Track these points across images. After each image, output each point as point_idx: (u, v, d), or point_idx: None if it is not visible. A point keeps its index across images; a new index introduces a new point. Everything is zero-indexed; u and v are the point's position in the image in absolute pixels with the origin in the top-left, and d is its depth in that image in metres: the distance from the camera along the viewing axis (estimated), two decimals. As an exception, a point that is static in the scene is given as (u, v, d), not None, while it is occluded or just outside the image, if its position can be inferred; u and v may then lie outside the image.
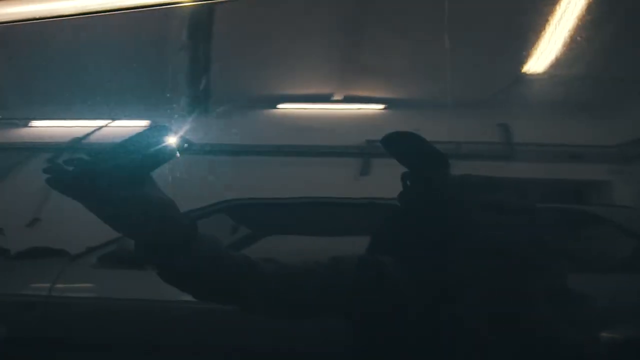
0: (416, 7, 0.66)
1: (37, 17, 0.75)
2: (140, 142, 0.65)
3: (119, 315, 0.68)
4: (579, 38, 0.57)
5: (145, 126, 0.68)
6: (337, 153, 0.63)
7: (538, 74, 0.58)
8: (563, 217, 0.58)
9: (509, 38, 0.61)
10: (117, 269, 0.70)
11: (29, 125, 0.76)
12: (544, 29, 0.58)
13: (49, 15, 0.74)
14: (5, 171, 0.75)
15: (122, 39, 0.75)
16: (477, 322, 0.57)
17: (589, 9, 0.58)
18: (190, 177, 0.66)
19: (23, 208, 0.70)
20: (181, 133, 0.65)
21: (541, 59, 0.58)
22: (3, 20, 0.76)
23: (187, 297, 0.65)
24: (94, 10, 0.73)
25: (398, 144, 0.59)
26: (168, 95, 0.68)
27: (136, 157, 0.64)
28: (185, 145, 0.65)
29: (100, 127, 0.70)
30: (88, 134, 0.70)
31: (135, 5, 0.71)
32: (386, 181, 0.59)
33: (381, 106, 0.64)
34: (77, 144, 0.71)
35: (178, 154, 0.65)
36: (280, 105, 0.67)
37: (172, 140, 0.65)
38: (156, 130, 0.67)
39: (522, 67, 0.59)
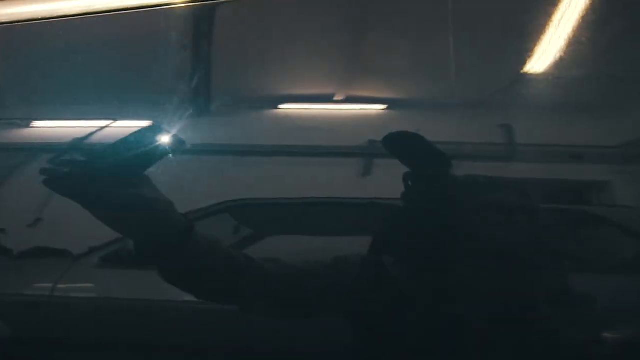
0: (418, 6, 0.66)
1: (34, 18, 0.74)
2: (135, 142, 0.65)
3: (121, 315, 0.68)
4: (580, 38, 0.57)
5: (139, 126, 0.68)
6: (339, 153, 0.63)
7: (539, 75, 0.58)
8: (564, 217, 0.58)
9: (510, 38, 0.61)
10: (119, 269, 0.70)
11: (30, 125, 0.76)
12: (546, 29, 0.58)
13: (45, 16, 0.74)
14: (7, 171, 0.75)
15: (121, 40, 0.75)
16: (478, 322, 0.57)
17: (590, 9, 0.58)
18: (191, 177, 0.67)
19: (25, 208, 0.70)
20: (179, 133, 0.65)
21: (542, 59, 0.58)
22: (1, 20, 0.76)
23: (189, 297, 0.65)
24: (93, 11, 0.73)
25: (400, 144, 0.59)
26: (165, 95, 0.68)
27: (131, 157, 0.64)
28: (188, 145, 0.65)
29: (97, 127, 0.70)
30: (86, 135, 0.70)
31: (135, 5, 0.71)
32: (388, 181, 0.60)
33: (383, 106, 0.64)
34: (74, 144, 0.71)
35: (175, 154, 0.65)
36: (281, 106, 0.67)
37: (171, 140, 0.65)
38: (151, 130, 0.67)
39: (524, 67, 0.59)
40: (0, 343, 0.70)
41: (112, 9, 0.72)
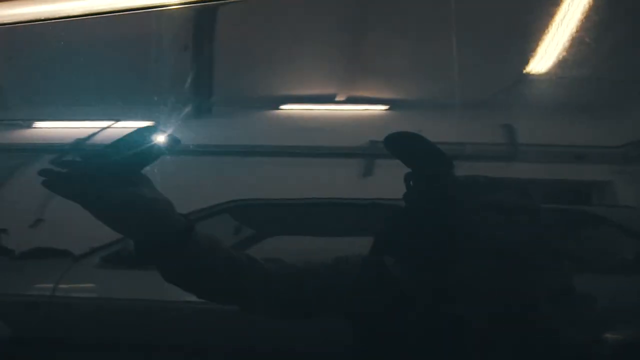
0: (420, 7, 0.66)
1: (35, 19, 0.74)
2: (134, 142, 0.65)
3: (122, 316, 0.68)
4: (582, 39, 0.57)
5: (139, 126, 0.68)
6: (340, 154, 0.63)
7: (541, 75, 0.59)
8: (565, 217, 0.58)
9: (512, 38, 0.61)
10: (120, 269, 0.70)
11: (31, 126, 0.76)
12: (548, 29, 0.58)
13: (47, 17, 0.74)
14: (8, 172, 0.75)
15: (121, 40, 0.75)
16: (479, 323, 0.57)
17: (592, 10, 0.58)
18: (192, 177, 0.67)
19: (26, 209, 0.70)
20: (178, 133, 0.65)
21: (544, 59, 0.58)
22: (2, 21, 0.76)
23: (190, 297, 0.65)
24: (93, 12, 0.73)
25: (401, 144, 0.60)
26: (166, 95, 0.68)
27: (131, 157, 0.64)
28: (189, 145, 0.65)
29: (98, 128, 0.70)
30: (86, 135, 0.70)
31: (136, 6, 0.71)
32: (389, 181, 0.60)
33: (384, 107, 0.64)
34: (75, 145, 0.71)
35: (173, 154, 0.65)
36: (282, 106, 0.67)
37: (168, 140, 0.65)
38: (150, 130, 0.67)
39: (525, 67, 0.59)
40: (1, 343, 0.70)
41: (113, 10, 0.71)
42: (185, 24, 0.73)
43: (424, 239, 0.59)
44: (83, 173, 0.66)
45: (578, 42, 0.57)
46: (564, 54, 0.57)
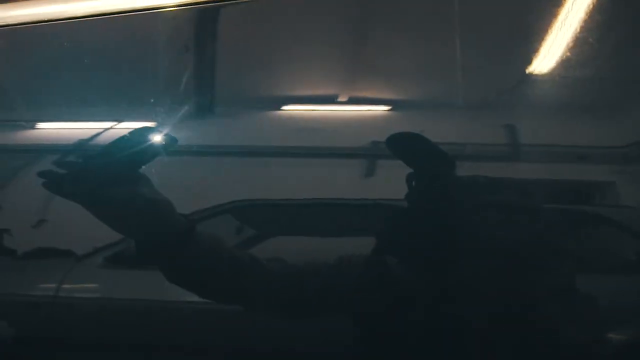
0: (422, 7, 0.66)
1: (37, 20, 0.74)
2: (135, 143, 0.65)
3: (125, 316, 0.68)
4: (584, 39, 0.57)
5: (136, 127, 0.68)
6: (342, 154, 0.63)
7: (544, 75, 0.58)
8: (567, 217, 0.58)
9: (514, 39, 0.61)
10: (123, 269, 0.70)
11: (34, 127, 0.77)
12: (550, 29, 0.58)
13: (48, 18, 0.74)
14: (10, 173, 0.75)
15: (122, 42, 0.75)
16: (481, 322, 0.57)
17: (595, 10, 0.58)
18: (193, 178, 0.67)
19: (29, 209, 0.70)
20: (179, 133, 0.66)
21: (547, 60, 0.58)
22: (5, 23, 0.76)
23: (193, 297, 0.65)
24: (95, 13, 0.73)
25: (403, 145, 0.60)
26: (167, 96, 0.68)
27: (131, 158, 0.64)
28: (192, 146, 0.65)
29: (99, 129, 0.70)
30: (87, 137, 0.70)
31: (137, 8, 0.71)
32: (391, 182, 0.60)
33: (386, 107, 0.64)
34: (76, 145, 0.71)
35: (173, 154, 0.65)
36: (284, 107, 0.67)
37: (166, 140, 0.65)
38: (150, 130, 0.67)
39: (528, 68, 0.59)
40: (4, 343, 0.71)
41: (115, 11, 0.71)
42: (186, 26, 0.73)
43: (426, 239, 0.59)
44: (83, 174, 0.66)
45: (581, 42, 0.57)
46: (567, 54, 0.57)
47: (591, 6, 0.58)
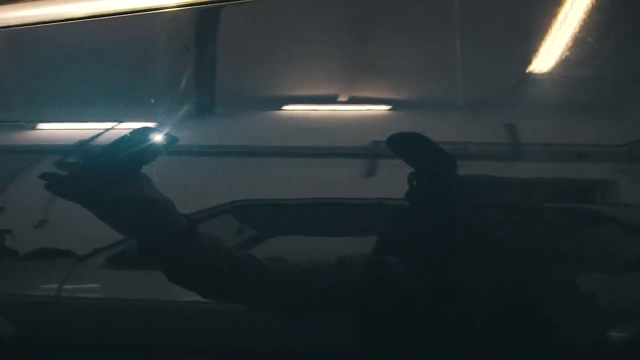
0: (422, 7, 0.66)
1: (38, 21, 0.75)
2: (135, 143, 0.65)
3: (127, 316, 0.68)
4: (585, 39, 0.57)
5: (136, 127, 0.68)
6: (343, 154, 0.63)
7: (544, 74, 0.58)
8: (568, 216, 0.58)
9: (514, 38, 0.61)
10: (125, 269, 0.70)
11: (35, 127, 0.77)
12: (550, 29, 0.58)
13: (49, 19, 0.74)
14: (12, 173, 0.75)
15: (123, 42, 0.75)
16: (483, 322, 0.57)
17: (595, 10, 0.58)
18: (194, 178, 0.67)
19: (31, 210, 0.70)
20: (179, 133, 0.66)
21: (547, 59, 0.58)
22: (6, 24, 0.76)
23: (194, 297, 0.65)
24: (96, 14, 0.73)
25: (404, 145, 0.59)
26: (167, 96, 0.68)
27: (132, 158, 0.64)
28: (192, 146, 0.66)
29: (100, 130, 0.70)
30: (88, 137, 0.71)
31: (138, 8, 0.72)
32: (392, 181, 0.60)
33: (387, 107, 0.64)
34: (78, 146, 0.71)
35: (173, 154, 0.65)
36: (285, 107, 0.67)
37: (167, 140, 0.65)
38: (150, 131, 0.67)
39: (528, 67, 0.59)
40: (7, 343, 0.71)
41: (116, 12, 0.72)
42: (188, 26, 0.73)
43: (427, 239, 0.59)
44: (84, 176, 0.66)
45: (581, 42, 0.57)
46: (567, 53, 0.57)
47: (591, 6, 0.57)
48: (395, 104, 0.63)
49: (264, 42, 0.70)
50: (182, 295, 0.65)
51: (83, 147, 0.70)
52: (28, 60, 0.79)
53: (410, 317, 0.59)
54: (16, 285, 0.73)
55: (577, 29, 0.57)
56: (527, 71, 0.59)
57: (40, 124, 0.76)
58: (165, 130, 0.66)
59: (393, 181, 0.60)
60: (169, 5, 0.70)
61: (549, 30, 0.58)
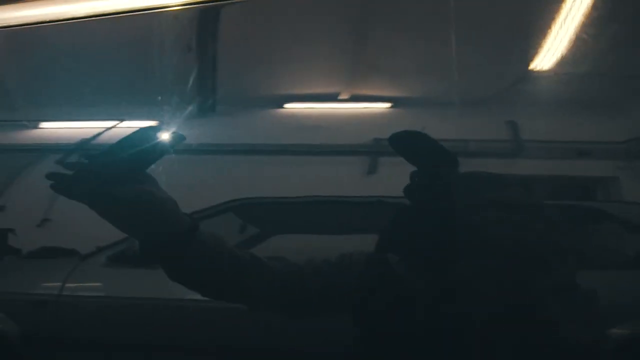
0: (421, 5, 0.66)
1: (43, 20, 0.75)
2: (138, 142, 0.65)
3: (129, 314, 0.68)
4: (585, 36, 0.57)
5: (142, 126, 0.68)
6: (344, 152, 0.63)
7: (544, 72, 0.58)
8: (568, 213, 0.58)
9: (513, 36, 0.60)
10: (127, 268, 0.70)
11: (37, 126, 0.77)
12: (549, 27, 0.58)
13: (52, 19, 0.74)
14: (15, 172, 0.76)
15: (125, 42, 0.75)
16: (483, 320, 0.57)
17: (594, 7, 0.57)
18: (196, 176, 0.67)
19: (33, 209, 0.71)
20: (182, 131, 0.66)
21: (547, 57, 0.58)
22: (6, 24, 0.76)
23: (196, 296, 0.65)
24: (98, 13, 0.73)
25: (406, 143, 0.59)
26: (170, 95, 0.68)
27: (136, 158, 0.64)
28: (192, 144, 0.66)
29: (103, 129, 0.70)
30: (92, 136, 0.71)
31: (139, 7, 0.72)
32: (394, 180, 0.59)
33: (388, 105, 0.64)
34: (81, 146, 0.71)
35: (178, 152, 0.65)
36: (286, 105, 0.67)
37: (173, 138, 0.65)
38: (153, 130, 0.67)
39: (528, 65, 0.59)
40: (10, 341, 0.71)
41: (118, 11, 0.72)
42: (190, 25, 0.73)
43: (428, 237, 0.59)
44: (90, 176, 0.66)
45: (580, 39, 0.57)
46: (566, 51, 0.57)
47: (590, 2, 0.57)
48: (396, 102, 0.63)
49: (266, 41, 0.70)
50: (183, 294, 0.65)
51: (87, 147, 0.71)
52: (26, 60, 0.79)
53: (410, 316, 0.59)
54: (19, 283, 0.73)
55: (577, 27, 0.57)
56: (526, 69, 0.59)
57: (42, 123, 0.77)
58: (168, 130, 0.66)
59: (395, 179, 0.59)
60: (170, 5, 0.70)
61: (549, 28, 0.58)
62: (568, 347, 0.56)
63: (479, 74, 0.61)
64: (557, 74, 0.58)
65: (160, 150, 0.65)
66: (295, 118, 0.67)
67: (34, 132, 0.77)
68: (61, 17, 0.74)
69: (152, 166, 0.64)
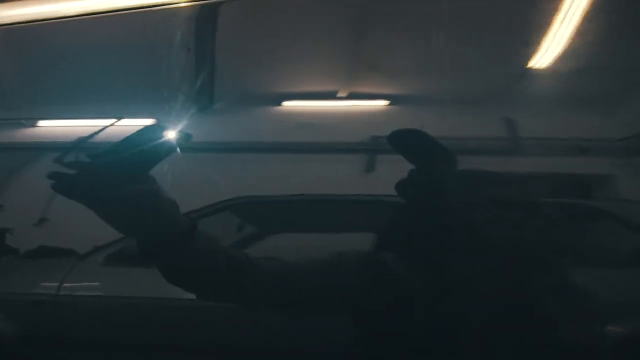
0: (419, 3, 0.66)
1: (41, 18, 0.75)
2: (138, 141, 0.64)
3: (127, 314, 0.68)
4: (584, 33, 0.57)
5: (142, 125, 0.68)
6: (342, 150, 0.63)
7: (543, 70, 0.58)
8: (567, 212, 0.58)
9: (512, 33, 0.60)
10: (124, 267, 0.70)
11: (36, 125, 0.77)
12: (549, 23, 0.58)
13: (51, 16, 0.74)
14: (12, 171, 0.75)
15: (126, 40, 0.75)
16: (482, 319, 0.57)
17: (594, 4, 0.57)
18: (194, 175, 0.67)
19: (31, 208, 0.71)
20: (184, 130, 0.65)
21: (546, 54, 0.58)
22: (5, 21, 0.76)
23: (193, 296, 0.65)
24: (97, 11, 0.73)
25: (404, 141, 0.59)
26: (170, 94, 0.68)
27: (135, 157, 0.63)
28: (192, 143, 0.65)
29: (102, 127, 0.70)
30: (91, 135, 0.70)
31: (139, 5, 0.72)
32: (392, 178, 0.59)
33: (386, 102, 0.64)
34: (80, 145, 0.71)
35: (179, 151, 0.64)
36: (284, 103, 0.67)
37: (175, 137, 0.65)
38: (153, 129, 0.67)
39: (526, 62, 0.59)
40: (7, 341, 0.71)
41: (117, 8, 0.72)
42: (188, 24, 0.73)
43: (426, 236, 0.59)
44: (90, 175, 0.65)
45: (580, 36, 0.57)
46: (566, 49, 0.57)
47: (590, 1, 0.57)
48: (395, 99, 0.63)
49: (266, 40, 0.70)
50: (182, 294, 0.65)
51: (88, 147, 0.70)
52: (25, 59, 0.79)
53: (407, 315, 0.59)
54: (16, 283, 0.73)
55: (577, 23, 0.57)
56: (525, 66, 0.59)
57: (42, 121, 0.77)
58: (169, 129, 0.66)
59: (393, 178, 0.59)
60: (170, 2, 0.70)
61: (548, 25, 0.58)
62: (566, 346, 0.55)
63: (476, 72, 0.61)
64: (555, 71, 0.58)
65: (163, 150, 0.64)
66: (292, 116, 0.67)
67: (31, 131, 0.77)
68: (61, 15, 0.74)
69: (152, 166, 0.64)
